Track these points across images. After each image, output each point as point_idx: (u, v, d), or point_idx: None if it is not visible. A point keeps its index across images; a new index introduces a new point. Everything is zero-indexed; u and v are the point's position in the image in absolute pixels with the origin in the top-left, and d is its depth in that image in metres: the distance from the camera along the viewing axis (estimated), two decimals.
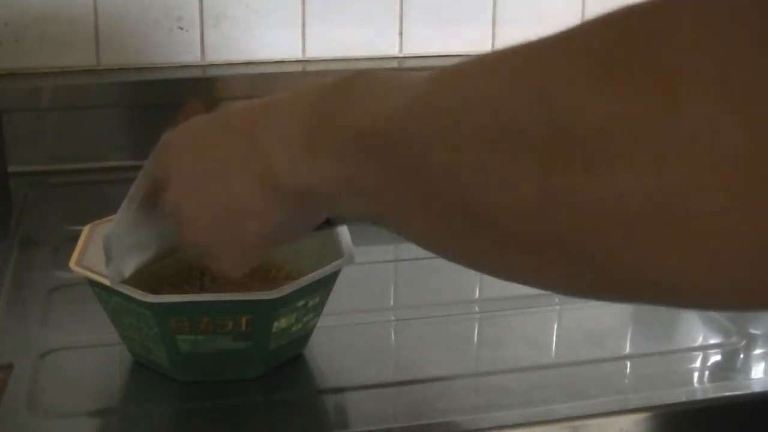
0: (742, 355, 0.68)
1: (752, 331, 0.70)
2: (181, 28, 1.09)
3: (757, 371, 0.66)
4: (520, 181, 0.34)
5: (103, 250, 0.58)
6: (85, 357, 0.66)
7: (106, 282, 0.58)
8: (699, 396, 0.63)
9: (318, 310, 0.64)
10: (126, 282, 0.58)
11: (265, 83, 1.09)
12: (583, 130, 0.32)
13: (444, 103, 0.38)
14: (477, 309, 0.76)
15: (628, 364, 0.67)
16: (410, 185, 0.40)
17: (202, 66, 1.11)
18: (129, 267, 0.58)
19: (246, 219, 0.50)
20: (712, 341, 0.71)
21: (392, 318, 0.75)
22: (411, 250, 0.86)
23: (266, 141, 0.48)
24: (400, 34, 1.17)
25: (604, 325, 0.73)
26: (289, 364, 0.64)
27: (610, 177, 0.31)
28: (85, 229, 0.67)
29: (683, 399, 0.62)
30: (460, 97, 0.38)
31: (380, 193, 0.43)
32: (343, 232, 0.65)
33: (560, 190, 0.33)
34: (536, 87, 0.34)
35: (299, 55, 1.14)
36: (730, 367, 0.67)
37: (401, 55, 1.17)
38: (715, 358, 0.68)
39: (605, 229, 0.32)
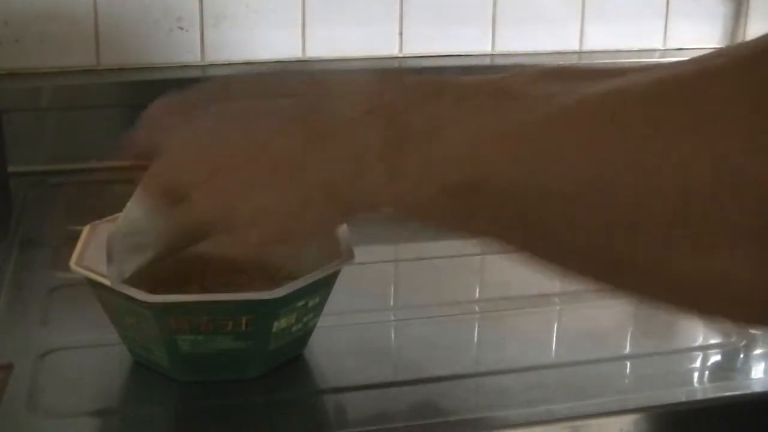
0: (742, 355, 0.68)
1: (752, 331, 0.70)
2: (181, 28, 1.09)
3: (757, 371, 0.66)
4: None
5: (106, 249, 0.58)
6: (85, 357, 0.66)
7: (106, 282, 0.58)
8: (699, 396, 0.63)
9: (318, 310, 0.64)
10: (126, 282, 0.58)
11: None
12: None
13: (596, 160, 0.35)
14: (477, 309, 0.76)
15: (628, 364, 0.67)
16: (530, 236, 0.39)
17: (202, 66, 1.11)
18: (129, 267, 0.58)
19: (298, 227, 0.49)
20: (712, 341, 0.71)
21: (392, 318, 0.75)
22: (411, 250, 0.86)
23: (337, 159, 0.46)
24: (400, 34, 1.17)
25: (604, 325, 0.73)
26: (289, 364, 0.64)
27: None
28: (85, 229, 0.67)
29: (683, 399, 0.62)
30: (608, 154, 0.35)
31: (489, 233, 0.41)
32: (343, 232, 0.65)
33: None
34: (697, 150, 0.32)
35: (299, 55, 1.14)
36: (730, 367, 0.67)
37: (401, 55, 1.17)
38: (715, 358, 0.68)
39: None
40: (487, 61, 1.20)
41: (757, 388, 0.64)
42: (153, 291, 0.58)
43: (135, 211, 0.57)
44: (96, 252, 0.62)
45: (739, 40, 1.28)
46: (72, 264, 0.62)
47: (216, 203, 0.51)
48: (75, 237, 0.66)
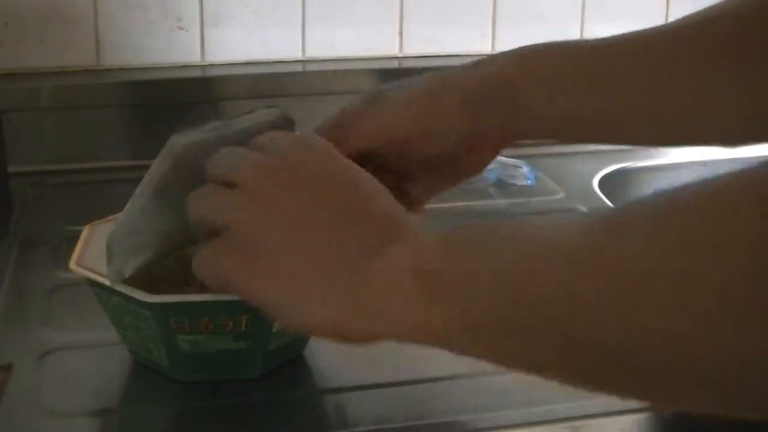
0: None
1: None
2: (181, 28, 1.09)
3: None
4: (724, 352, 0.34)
5: (106, 249, 0.58)
6: (85, 357, 0.66)
7: (106, 282, 0.58)
8: None
9: None
10: (126, 282, 0.58)
11: (265, 83, 1.09)
12: None
13: (624, 271, 0.37)
14: None
15: None
16: (565, 350, 0.39)
17: (202, 66, 1.11)
18: (129, 267, 0.58)
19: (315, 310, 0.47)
20: None
21: None
22: None
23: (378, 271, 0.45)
24: (400, 34, 1.17)
25: None
26: (289, 364, 0.64)
27: None
28: (85, 229, 0.67)
29: None
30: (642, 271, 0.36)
31: (516, 351, 0.42)
32: None
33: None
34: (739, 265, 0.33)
35: (299, 55, 1.14)
36: None
37: (401, 55, 1.17)
38: None
39: None
40: None
41: None
42: (153, 291, 0.58)
43: (135, 211, 0.57)
44: (96, 252, 0.62)
45: None
46: (72, 264, 0.62)
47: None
48: (75, 237, 0.66)
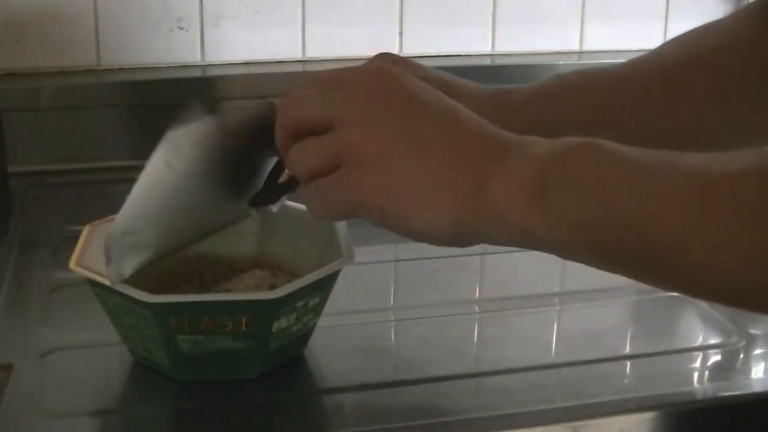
0: (742, 355, 0.68)
1: (752, 331, 0.70)
2: (181, 28, 1.09)
3: (757, 371, 0.66)
4: None
5: (104, 249, 0.58)
6: (85, 357, 0.66)
7: (106, 282, 0.58)
8: (699, 396, 0.63)
9: (318, 310, 0.64)
10: (126, 282, 0.58)
11: (265, 83, 1.09)
12: None
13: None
14: (477, 309, 0.76)
15: (628, 364, 0.67)
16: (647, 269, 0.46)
17: (202, 66, 1.11)
18: (129, 267, 0.58)
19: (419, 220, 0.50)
20: (712, 341, 0.71)
21: (392, 318, 0.75)
22: (411, 250, 0.86)
23: (494, 180, 0.49)
24: (400, 34, 1.17)
25: (604, 325, 0.73)
26: (289, 364, 0.64)
27: None
28: (85, 229, 0.67)
29: (683, 399, 0.62)
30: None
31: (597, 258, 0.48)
32: (343, 231, 0.65)
33: None
34: None
35: (299, 55, 1.14)
36: (730, 367, 0.67)
37: (401, 55, 1.17)
38: (715, 358, 0.68)
39: None
40: (487, 61, 1.20)
41: (757, 388, 0.64)
42: (153, 291, 0.58)
43: (133, 210, 0.57)
44: (96, 252, 0.62)
45: None
46: (72, 264, 0.62)
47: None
48: (75, 237, 0.66)
